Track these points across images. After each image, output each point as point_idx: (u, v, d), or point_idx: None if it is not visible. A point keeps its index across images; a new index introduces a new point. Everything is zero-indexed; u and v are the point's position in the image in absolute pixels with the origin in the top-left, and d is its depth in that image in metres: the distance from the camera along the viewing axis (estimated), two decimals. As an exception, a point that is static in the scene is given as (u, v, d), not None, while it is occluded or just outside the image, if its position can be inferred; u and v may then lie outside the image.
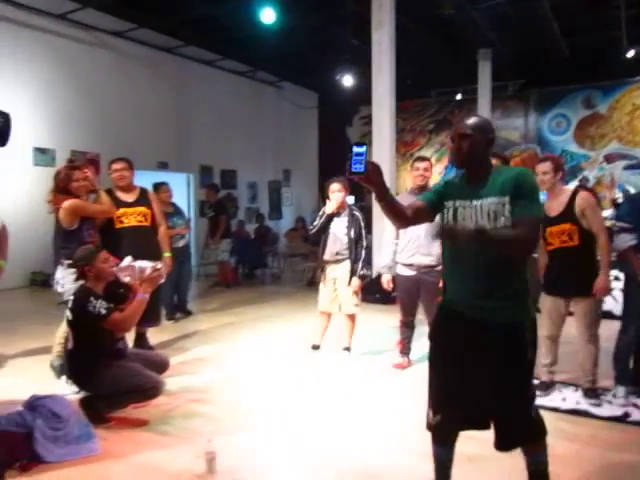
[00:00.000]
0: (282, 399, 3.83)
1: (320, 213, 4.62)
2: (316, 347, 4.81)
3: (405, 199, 4.38)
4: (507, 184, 2.12)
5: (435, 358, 2.33)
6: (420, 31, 9.60)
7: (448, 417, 2.25)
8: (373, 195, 2.11)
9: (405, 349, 4.52)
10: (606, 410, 3.56)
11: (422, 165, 4.32)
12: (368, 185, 1.98)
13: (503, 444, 2.23)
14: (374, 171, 1.95)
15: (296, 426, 3.37)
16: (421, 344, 4.67)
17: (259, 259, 9.78)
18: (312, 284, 9.01)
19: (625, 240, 3.52)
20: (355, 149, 1.88)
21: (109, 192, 4.47)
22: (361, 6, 8.10)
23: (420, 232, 4.21)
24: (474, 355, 2.18)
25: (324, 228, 4.56)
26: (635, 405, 3.63)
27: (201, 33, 9.81)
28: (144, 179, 8.59)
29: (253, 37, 9.67)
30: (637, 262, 3.51)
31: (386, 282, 4.40)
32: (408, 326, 4.47)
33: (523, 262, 2.22)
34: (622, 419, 3.45)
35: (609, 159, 12.63)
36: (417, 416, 3.48)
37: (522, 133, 13.81)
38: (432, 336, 2.38)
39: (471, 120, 2.23)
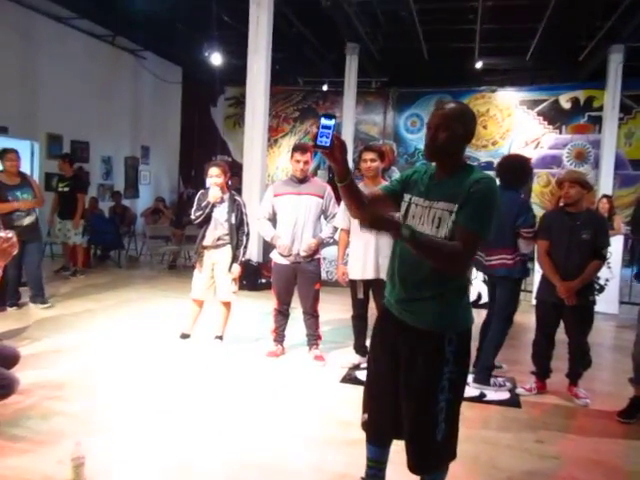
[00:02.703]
0: (153, 392, 3.58)
1: (198, 199, 4.38)
2: (186, 336, 4.59)
3: (279, 187, 4.36)
4: (462, 190, 1.89)
5: (369, 358, 2.26)
6: (295, 17, 9.56)
7: (373, 419, 2.18)
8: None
9: (279, 337, 4.50)
10: (465, 391, 3.87)
11: (303, 158, 4.19)
12: (330, 161, 1.83)
13: (409, 465, 2.03)
14: (339, 147, 1.78)
15: (170, 420, 3.17)
16: (295, 331, 4.71)
17: (115, 240, 9.08)
18: (173, 267, 8.64)
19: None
20: (323, 121, 1.76)
21: None
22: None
23: (299, 219, 4.21)
24: (395, 361, 2.04)
25: (209, 216, 4.35)
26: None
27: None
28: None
29: (115, -1, 8.88)
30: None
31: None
32: (283, 314, 4.45)
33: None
34: (479, 399, 3.79)
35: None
36: (295, 404, 3.51)
37: (381, 129, 14.51)
38: (372, 334, 2.28)
39: (453, 108, 1.97)
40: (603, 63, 10.98)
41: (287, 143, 14.70)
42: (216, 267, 4.40)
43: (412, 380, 1.98)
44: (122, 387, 3.63)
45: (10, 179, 5.47)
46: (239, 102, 14.19)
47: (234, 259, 4.37)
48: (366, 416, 2.22)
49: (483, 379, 3.94)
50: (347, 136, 12.75)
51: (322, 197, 4.28)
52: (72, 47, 10.30)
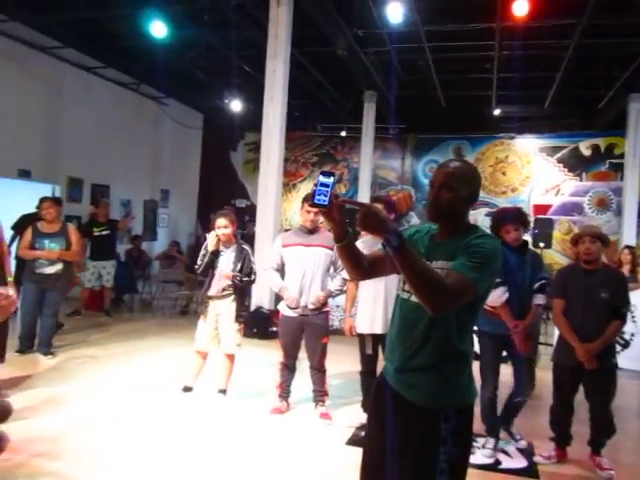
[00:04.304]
0: (150, 451, 3.43)
1: (203, 251, 4.31)
2: (188, 389, 4.44)
3: (288, 238, 4.27)
4: (460, 248, 1.78)
5: (366, 428, 2.10)
6: (312, 66, 9.72)
7: None
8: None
9: (284, 392, 4.33)
10: (479, 458, 3.63)
11: (313, 209, 4.03)
12: (328, 220, 1.73)
13: None
14: (337, 207, 1.69)
15: (164, 485, 3.01)
16: (302, 385, 4.53)
17: (129, 283, 9.06)
18: (185, 313, 8.55)
19: (499, 295, 3.52)
20: (321, 179, 1.67)
21: None
22: (256, 33, 8.01)
23: (308, 271, 4.11)
24: (390, 437, 1.87)
25: (211, 264, 4.26)
26: (504, 452, 3.76)
27: (82, 37, 9.08)
28: (1, 188, 7.67)
29: (140, 48, 9.15)
30: (510, 317, 3.59)
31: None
32: (289, 368, 4.29)
33: (449, 326, 1.77)
34: (494, 467, 3.55)
35: (474, 206, 13.67)
36: (297, 468, 3.31)
37: (399, 174, 14.52)
38: (370, 402, 2.12)
39: (459, 167, 1.88)
40: (623, 111, 10.89)
41: (305, 187, 14.78)
42: (220, 318, 4.29)
43: (406, 461, 1.80)
44: (118, 444, 3.49)
45: (47, 227, 5.51)
46: (258, 147, 14.24)
47: (239, 309, 4.25)
48: None
49: (491, 432, 3.74)
50: (364, 181, 12.79)
51: (332, 249, 4.17)
52: (97, 94, 10.60)
